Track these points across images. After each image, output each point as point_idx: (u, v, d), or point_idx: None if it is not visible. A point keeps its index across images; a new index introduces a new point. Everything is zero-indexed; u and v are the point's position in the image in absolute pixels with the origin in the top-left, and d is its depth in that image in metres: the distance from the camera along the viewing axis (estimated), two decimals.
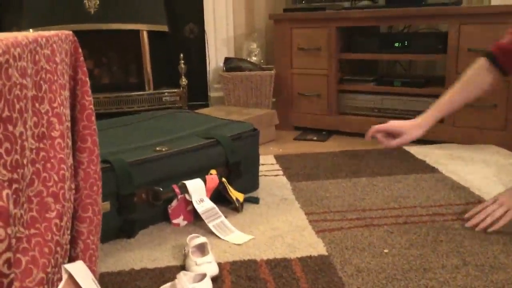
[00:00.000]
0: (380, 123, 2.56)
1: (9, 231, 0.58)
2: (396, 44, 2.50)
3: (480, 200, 1.66)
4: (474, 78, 1.49)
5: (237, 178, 1.71)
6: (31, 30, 2.84)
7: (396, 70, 2.98)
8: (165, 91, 3.07)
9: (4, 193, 0.59)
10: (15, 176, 0.71)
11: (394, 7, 2.44)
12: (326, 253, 1.33)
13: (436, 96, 2.40)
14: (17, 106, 0.73)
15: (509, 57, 1.44)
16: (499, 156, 2.13)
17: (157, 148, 1.56)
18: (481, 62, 1.48)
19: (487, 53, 1.48)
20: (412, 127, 1.50)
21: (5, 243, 0.57)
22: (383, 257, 1.30)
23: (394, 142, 1.51)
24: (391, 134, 1.53)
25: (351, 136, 2.62)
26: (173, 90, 3.07)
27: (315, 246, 1.37)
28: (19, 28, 2.97)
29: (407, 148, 2.32)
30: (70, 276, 0.89)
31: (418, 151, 2.26)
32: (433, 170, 1.99)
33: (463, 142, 2.34)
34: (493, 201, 1.46)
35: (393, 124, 1.52)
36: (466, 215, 1.49)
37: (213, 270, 1.22)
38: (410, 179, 1.89)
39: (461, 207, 1.61)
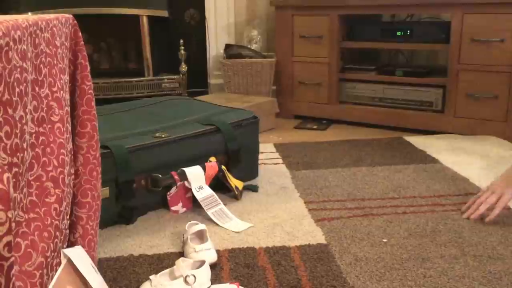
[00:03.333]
0: (381, 113, 2.55)
1: (9, 214, 0.57)
2: (399, 33, 2.49)
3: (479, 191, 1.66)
4: None
5: (237, 166, 1.71)
6: (29, 13, 2.82)
7: (398, 59, 2.96)
8: (164, 77, 3.05)
9: (5, 176, 0.58)
10: (15, 160, 0.70)
11: None
12: (325, 242, 1.33)
13: (439, 86, 2.41)
14: (17, 90, 0.72)
15: None
16: (499, 147, 2.13)
17: (157, 135, 1.56)
18: None
19: None
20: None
21: (5, 226, 0.56)
22: (382, 246, 1.30)
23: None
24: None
25: (352, 126, 2.61)
26: (173, 77, 3.05)
27: (314, 235, 1.37)
28: (18, 12, 2.94)
29: (407, 138, 2.32)
30: (69, 261, 0.89)
31: (419, 142, 2.26)
32: (433, 160, 1.99)
33: (464, 133, 2.33)
34: (486, 190, 1.46)
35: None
36: (462, 208, 1.50)
37: (212, 257, 1.22)
38: (410, 169, 1.89)
39: (460, 198, 1.61)
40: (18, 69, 0.73)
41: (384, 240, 1.33)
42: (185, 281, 1.08)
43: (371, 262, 1.22)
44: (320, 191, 1.69)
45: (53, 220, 0.84)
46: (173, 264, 1.16)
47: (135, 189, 1.46)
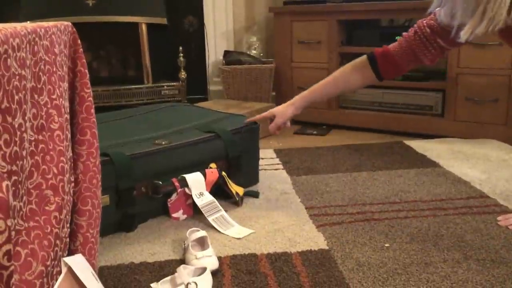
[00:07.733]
0: (381, 117, 2.55)
1: (9, 222, 0.57)
2: (397, 38, 2.48)
3: (481, 195, 1.65)
4: (351, 74, 1.52)
5: (237, 172, 1.70)
6: (28, 22, 2.82)
7: None
8: (164, 84, 3.05)
9: (4, 184, 0.58)
10: (14, 168, 0.70)
11: (395, 0, 2.42)
12: (326, 247, 1.32)
13: (438, 90, 2.41)
14: (16, 97, 0.72)
15: (389, 63, 1.47)
16: (500, 150, 2.12)
17: (157, 142, 1.55)
18: (363, 60, 1.50)
19: (371, 53, 1.50)
20: (284, 108, 1.64)
21: (5, 235, 0.56)
22: (384, 251, 1.29)
23: (270, 127, 1.66)
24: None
25: (351, 130, 2.61)
26: (172, 84, 3.05)
27: (315, 240, 1.36)
28: (16, 21, 2.94)
29: (407, 142, 2.31)
30: (70, 269, 0.89)
31: (419, 146, 2.25)
32: (434, 164, 1.99)
33: (464, 137, 2.33)
34: None
35: (270, 111, 1.67)
36: (500, 217, 1.45)
37: (213, 264, 1.21)
38: (411, 174, 1.88)
39: (462, 202, 1.60)
40: (17, 77, 0.73)
41: (386, 245, 1.32)
42: None
43: (374, 267, 1.21)
44: (321, 196, 1.68)
45: (53, 229, 0.84)
46: (174, 272, 1.16)
47: (136, 196, 1.45)
